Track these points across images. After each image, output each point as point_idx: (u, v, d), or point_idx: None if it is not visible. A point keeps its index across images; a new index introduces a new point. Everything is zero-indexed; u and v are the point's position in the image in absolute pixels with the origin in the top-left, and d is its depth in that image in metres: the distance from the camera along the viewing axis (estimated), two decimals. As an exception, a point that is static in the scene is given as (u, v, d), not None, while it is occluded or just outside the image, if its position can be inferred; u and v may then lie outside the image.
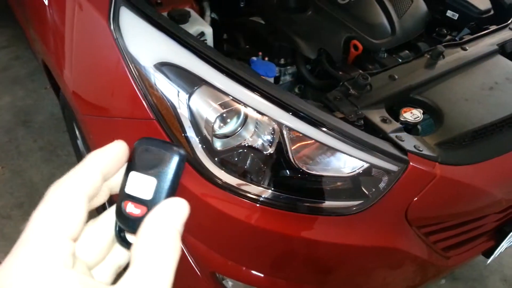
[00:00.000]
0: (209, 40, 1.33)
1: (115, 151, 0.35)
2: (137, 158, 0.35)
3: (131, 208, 0.34)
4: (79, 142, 1.69)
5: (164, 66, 0.90)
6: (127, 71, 0.93)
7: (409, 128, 1.03)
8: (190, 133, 0.88)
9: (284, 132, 0.87)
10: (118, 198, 0.35)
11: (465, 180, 0.97)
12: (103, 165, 0.34)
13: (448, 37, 1.48)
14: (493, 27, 1.37)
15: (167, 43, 0.91)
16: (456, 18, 1.57)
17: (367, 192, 0.91)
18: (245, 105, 0.87)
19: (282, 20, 1.44)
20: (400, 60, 1.37)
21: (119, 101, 1.02)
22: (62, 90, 1.41)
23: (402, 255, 1.04)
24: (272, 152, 0.89)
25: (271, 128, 0.88)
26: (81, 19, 1.09)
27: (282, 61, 1.42)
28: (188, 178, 0.89)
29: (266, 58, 1.39)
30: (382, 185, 0.91)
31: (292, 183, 0.91)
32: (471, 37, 1.31)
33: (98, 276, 0.36)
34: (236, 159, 0.90)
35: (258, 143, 0.89)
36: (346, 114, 0.99)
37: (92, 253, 0.35)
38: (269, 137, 0.88)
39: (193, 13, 1.32)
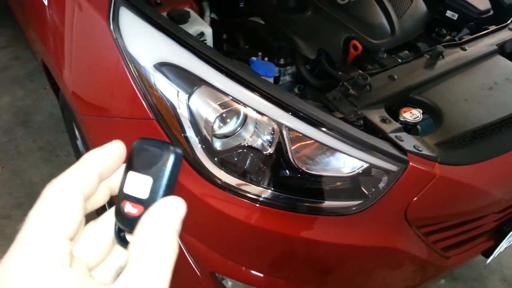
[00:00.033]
0: (209, 40, 1.33)
1: (112, 151, 0.35)
2: (134, 158, 0.35)
3: (129, 208, 0.34)
4: (79, 142, 1.69)
5: (163, 66, 0.90)
6: (127, 71, 0.93)
7: (409, 128, 1.03)
8: (190, 133, 0.88)
9: (284, 132, 0.87)
10: (117, 198, 0.36)
11: (465, 180, 0.97)
12: (100, 165, 0.34)
13: (448, 37, 1.48)
14: (493, 27, 1.37)
15: (166, 43, 0.92)
16: (455, 18, 1.57)
17: (366, 192, 0.91)
18: (245, 105, 0.87)
19: (281, 20, 1.44)
20: (400, 60, 1.37)
21: (119, 101, 1.02)
22: (62, 90, 1.41)
23: (402, 255, 1.05)
24: (271, 152, 0.89)
25: (270, 128, 0.88)
26: (81, 19, 1.09)
27: (281, 61, 1.42)
28: (187, 178, 0.89)
29: (266, 58, 1.39)
30: (381, 185, 0.91)
31: (292, 183, 0.91)
32: (471, 37, 1.31)
33: (99, 277, 0.36)
34: (235, 159, 0.90)
35: (257, 143, 0.89)
36: (345, 114, 0.99)
37: (92, 254, 0.35)
38: (268, 137, 0.88)
39: (192, 13, 1.32)
